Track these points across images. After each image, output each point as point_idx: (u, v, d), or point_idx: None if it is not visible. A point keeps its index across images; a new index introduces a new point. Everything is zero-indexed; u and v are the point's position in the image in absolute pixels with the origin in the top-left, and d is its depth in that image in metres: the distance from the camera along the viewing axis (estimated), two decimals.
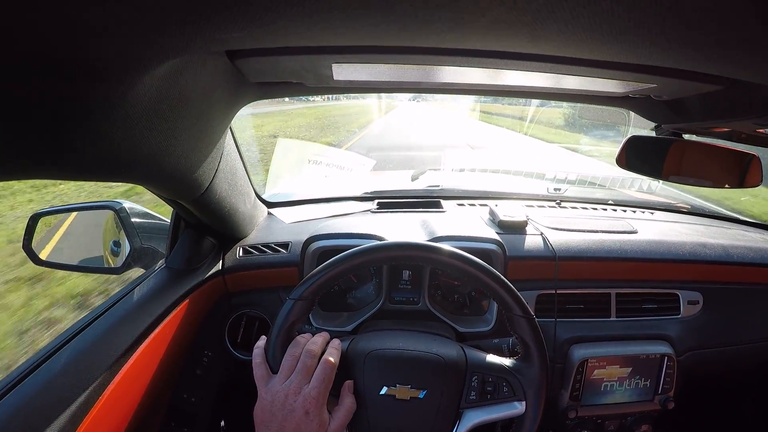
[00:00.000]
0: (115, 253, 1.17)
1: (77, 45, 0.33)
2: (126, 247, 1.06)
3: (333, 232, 1.04)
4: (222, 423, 1.16)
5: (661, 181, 1.52)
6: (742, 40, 0.35)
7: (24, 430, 0.56)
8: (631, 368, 1.01)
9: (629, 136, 0.89)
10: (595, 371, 1.00)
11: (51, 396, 0.61)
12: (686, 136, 0.87)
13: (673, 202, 1.51)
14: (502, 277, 0.70)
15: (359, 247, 0.71)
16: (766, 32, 0.33)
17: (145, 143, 0.52)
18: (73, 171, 0.48)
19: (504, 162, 1.59)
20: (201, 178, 0.75)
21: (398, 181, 1.50)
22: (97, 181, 0.57)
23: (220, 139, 0.76)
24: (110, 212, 1.19)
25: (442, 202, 1.32)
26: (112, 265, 1.14)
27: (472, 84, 0.80)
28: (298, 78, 0.74)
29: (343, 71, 0.66)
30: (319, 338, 0.70)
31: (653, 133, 0.92)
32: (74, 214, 1.21)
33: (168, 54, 0.41)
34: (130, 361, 0.74)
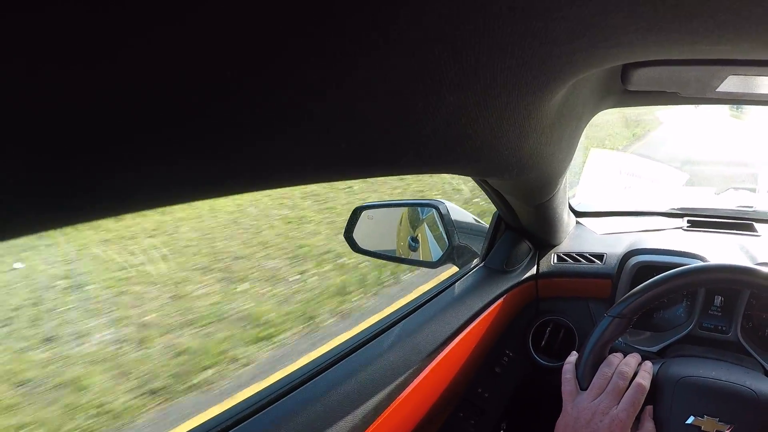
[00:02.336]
0: (413, 249, 1.28)
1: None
2: (432, 243, 1.14)
3: (652, 247, 0.99)
4: (503, 425, 1.18)
5: None
6: None
7: (347, 395, 0.63)
8: None
9: None
10: None
11: (375, 371, 0.67)
12: None
13: None
14: None
15: (686, 267, 0.68)
16: None
17: (537, 148, 0.54)
18: (479, 171, 0.54)
19: None
20: (556, 184, 0.77)
21: (705, 198, 1.37)
22: (487, 177, 0.63)
23: (575, 145, 0.77)
24: (404, 211, 1.31)
25: (756, 225, 1.16)
26: (420, 258, 1.25)
27: None
28: (679, 88, 0.71)
29: (733, 83, 0.63)
30: (633, 360, 0.68)
31: None
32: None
33: (582, 68, 0.42)
34: (445, 350, 0.78)
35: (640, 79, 0.65)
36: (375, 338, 0.75)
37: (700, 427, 0.64)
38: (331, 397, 0.62)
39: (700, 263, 0.69)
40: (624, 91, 0.74)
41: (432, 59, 0.29)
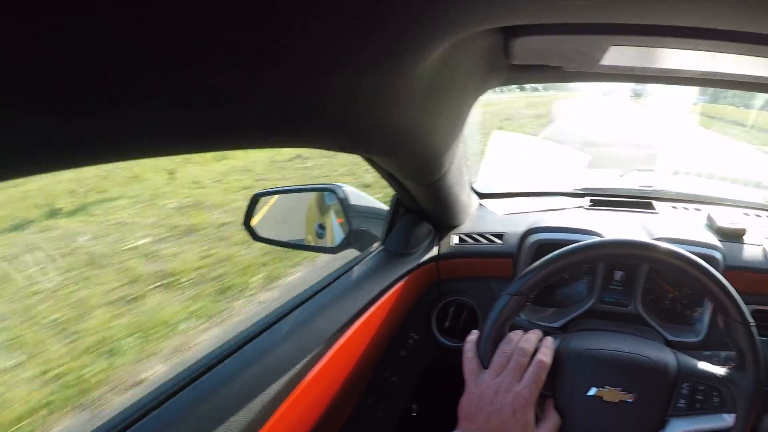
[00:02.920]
0: (319, 235, 1.23)
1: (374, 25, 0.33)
2: (335, 228, 1.10)
3: (552, 225, 1.01)
4: (414, 406, 1.17)
5: None
6: None
7: (242, 389, 0.60)
8: None
9: None
10: None
11: (271, 362, 0.65)
12: None
13: None
14: (724, 279, 0.66)
15: (581, 243, 0.69)
16: None
17: (412, 122, 0.53)
18: (337, 143, 0.51)
19: (720, 167, 1.40)
20: (444, 162, 0.75)
21: (608, 179, 1.43)
22: (360, 153, 0.60)
23: (463, 123, 0.76)
24: (313, 196, 1.25)
25: (654, 203, 1.23)
26: (320, 245, 1.20)
27: (740, 75, 0.72)
28: (563, 62, 0.71)
29: (616, 55, 0.63)
30: (533, 336, 0.69)
31: None
32: (276, 196, 1.29)
33: (454, 30, 0.40)
34: (345, 335, 0.76)
35: (523, 51, 0.64)
36: (269, 328, 0.72)
37: (602, 398, 0.65)
38: (223, 394, 0.59)
39: (596, 239, 0.70)
40: (510, 66, 0.73)
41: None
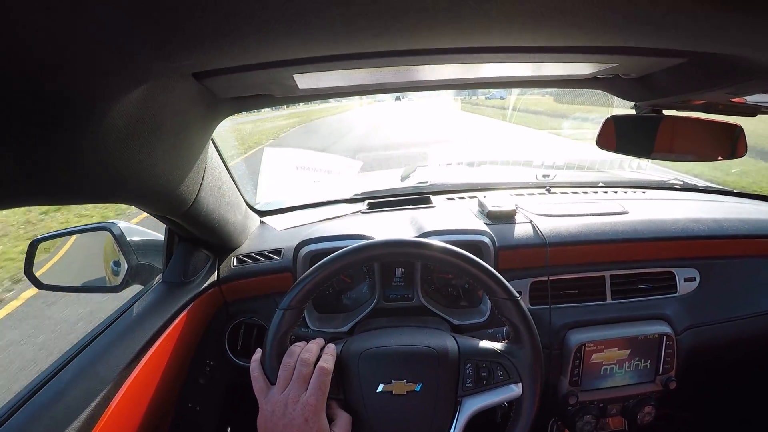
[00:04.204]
0: (115, 273, 1.17)
1: (39, 80, 0.34)
2: (124, 266, 1.07)
3: (323, 235, 1.05)
4: (228, 429, 1.17)
5: (649, 160, 1.53)
6: (691, 15, 0.36)
7: None
8: (630, 350, 1.01)
9: (608, 116, 0.89)
10: (594, 355, 1.00)
11: (60, 410, 0.63)
12: (666, 112, 0.87)
13: (664, 179, 1.50)
14: (482, 262, 0.70)
15: (339, 251, 0.72)
16: (714, 6, 0.33)
17: (125, 165, 0.53)
18: (55, 195, 0.49)
19: (491, 152, 1.61)
20: (185, 194, 0.75)
21: (388, 181, 1.51)
22: (82, 203, 0.58)
23: (201, 154, 0.77)
24: (108, 233, 1.20)
25: (432, 197, 1.32)
26: (112, 284, 1.15)
27: (446, 80, 0.80)
28: (266, 90, 0.75)
29: (306, 81, 0.67)
30: (314, 345, 0.71)
31: (633, 112, 0.92)
32: (74, 237, 1.22)
33: (134, 82, 0.42)
34: (134, 373, 0.75)
35: (224, 88, 0.66)
36: (53, 378, 0.68)
37: (391, 392, 0.68)
38: None
39: (356, 244, 0.72)
40: (226, 99, 0.75)
41: None
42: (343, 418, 0.67)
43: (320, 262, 0.71)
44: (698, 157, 0.86)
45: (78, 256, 1.35)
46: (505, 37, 0.43)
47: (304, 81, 0.67)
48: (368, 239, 1.00)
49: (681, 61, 0.60)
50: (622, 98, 0.92)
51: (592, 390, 1.02)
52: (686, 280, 1.09)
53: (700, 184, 1.53)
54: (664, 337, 1.00)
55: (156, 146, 0.57)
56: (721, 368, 1.30)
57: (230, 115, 0.85)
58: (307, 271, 0.71)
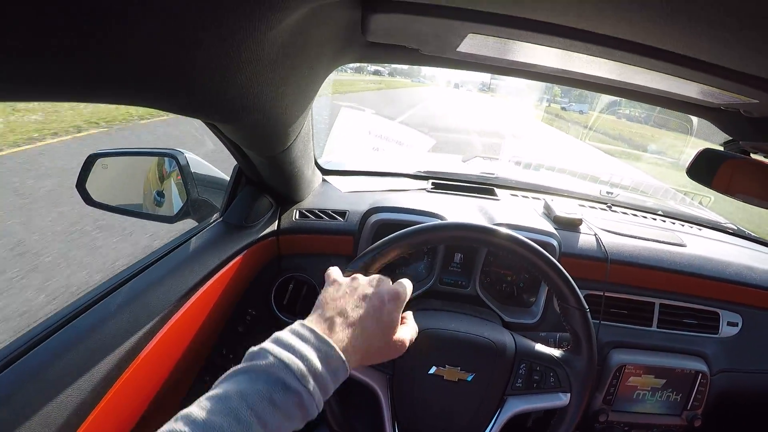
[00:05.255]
0: (158, 203, 1.15)
1: None
2: (181, 197, 1.04)
3: (393, 206, 1.03)
4: None
5: (711, 199, 1.51)
6: None
7: (72, 367, 0.57)
8: (665, 380, 1.01)
9: (703, 148, 0.86)
10: (631, 378, 1.00)
11: (103, 337, 0.61)
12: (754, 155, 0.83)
13: (720, 220, 1.49)
14: (562, 267, 0.69)
15: (423, 225, 0.68)
16: None
17: (258, 89, 0.50)
18: (175, 104, 0.47)
19: (559, 160, 1.57)
20: (289, 134, 0.73)
21: (451, 164, 1.49)
22: (200, 118, 0.55)
23: (313, 96, 0.75)
24: (153, 161, 1.17)
25: (496, 190, 1.30)
26: (160, 213, 1.13)
27: (591, 76, 0.76)
28: (420, 44, 0.71)
29: (472, 43, 0.62)
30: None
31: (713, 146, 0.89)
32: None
33: None
34: (181, 310, 0.74)
35: (380, 28, 0.62)
36: (100, 300, 0.66)
37: (442, 376, 0.68)
38: (53, 371, 0.55)
39: (438, 221, 0.70)
40: (366, 43, 0.73)
41: None
42: (412, 328, 0.58)
43: (399, 232, 0.67)
44: None
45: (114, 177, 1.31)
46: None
47: (472, 43, 0.63)
48: (441, 218, 1.00)
49: None
50: (726, 133, 0.88)
51: (622, 412, 1.02)
52: (729, 324, 1.08)
53: (751, 234, 1.51)
54: (699, 375, 1.01)
55: (290, 76, 0.54)
56: (747, 415, 1.30)
57: (352, 63, 0.82)
58: (384, 239, 0.66)
